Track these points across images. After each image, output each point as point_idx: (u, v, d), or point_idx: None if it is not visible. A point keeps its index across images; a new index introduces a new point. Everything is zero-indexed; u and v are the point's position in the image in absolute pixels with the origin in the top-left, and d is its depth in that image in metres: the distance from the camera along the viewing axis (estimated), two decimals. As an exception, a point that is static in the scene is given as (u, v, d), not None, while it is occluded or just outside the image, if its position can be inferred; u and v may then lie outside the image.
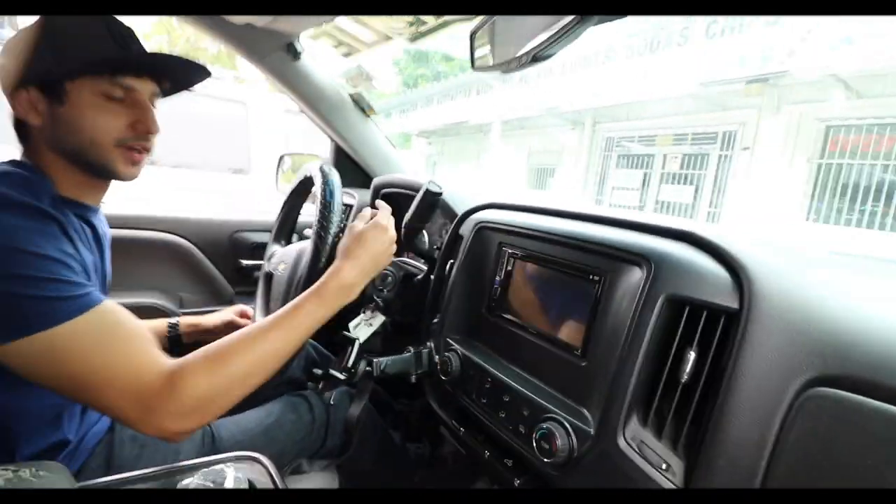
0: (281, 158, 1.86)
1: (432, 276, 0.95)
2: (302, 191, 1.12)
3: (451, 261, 0.89)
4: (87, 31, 0.62)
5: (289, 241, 1.19)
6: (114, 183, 0.69)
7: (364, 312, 0.95)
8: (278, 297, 1.00)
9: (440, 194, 0.86)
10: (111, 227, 1.28)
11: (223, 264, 1.42)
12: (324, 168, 0.94)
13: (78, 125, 0.61)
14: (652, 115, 7.89)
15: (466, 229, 0.88)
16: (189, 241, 1.36)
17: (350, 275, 0.72)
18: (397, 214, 0.85)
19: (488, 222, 0.82)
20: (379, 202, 0.83)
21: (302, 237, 1.27)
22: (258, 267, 1.47)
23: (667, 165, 8.10)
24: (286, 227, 1.18)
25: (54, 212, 0.56)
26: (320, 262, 0.83)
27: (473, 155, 11.37)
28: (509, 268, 0.78)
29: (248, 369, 0.59)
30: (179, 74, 0.71)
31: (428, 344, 0.87)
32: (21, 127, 0.64)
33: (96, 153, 0.63)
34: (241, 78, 3.31)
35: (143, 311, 1.24)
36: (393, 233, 0.79)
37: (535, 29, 0.50)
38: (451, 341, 0.83)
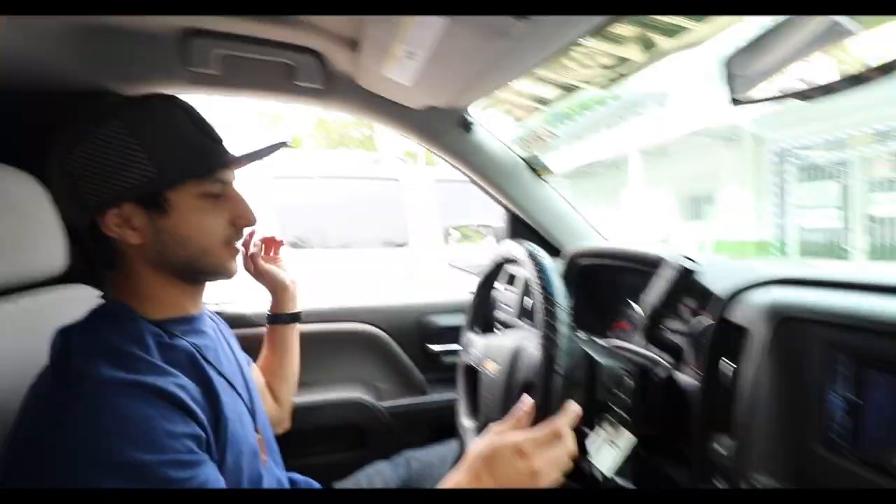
0: (447, 231, 1.84)
1: (676, 373, 0.72)
2: (496, 273, 1.00)
3: (721, 359, 0.65)
4: (177, 127, 0.56)
5: (485, 329, 1.06)
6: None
7: (601, 428, 0.74)
8: (493, 402, 0.85)
9: (696, 272, 0.64)
10: (306, 322, 1.33)
11: (412, 350, 1.37)
12: (532, 251, 0.79)
13: (186, 234, 0.56)
14: (834, 112, 6.49)
15: (749, 317, 0.63)
16: (380, 328, 1.34)
17: None
18: (604, 292, 0.66)
19: (799, 310, 0.57)
20: (571, 406, 0.63)
21: (498, 323, 1.14)
22: (447, 352, 1.39)
23: (871, 170, 6.51)
24: (481, 314, 1.06)
25: (162, 382, 0.49)
26: (556, 369, 0.66)
27: (610, 193, 10.69)
28: (858, 382, 0.51)
29: None
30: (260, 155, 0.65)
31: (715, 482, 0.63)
32: (107, 251, 0.56)
33: (208, 260, 0.58)
34: (398, 157, 3.58)
35: (348, 407, 1.22)
36: (571, 446, 0.58)
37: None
38: (757, 482, 0.58)
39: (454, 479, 0.55)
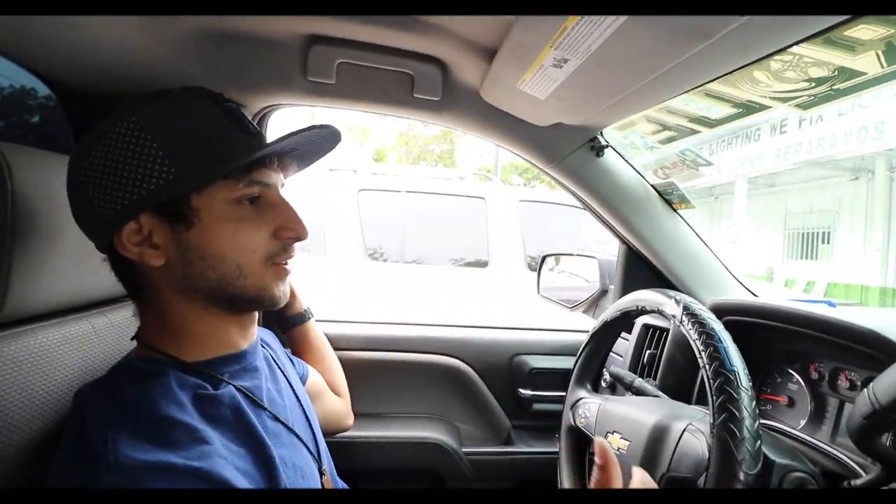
0: (544, 259, 1.69)
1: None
2: (623, 323, 0.84)
3: None
4: (203, 118, 0.45)
5: (596, 388, 0.90)
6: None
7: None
8: (624, 485, 0.69)
9: None
10: (374, 351, 1.20)
11: (500, 392, 1.23)
12: (691, 306, 0.63)
13: (218, 251, 0.45)
14: None
15: None
16: (467, 363, 1.22)
17: None
18: (746, 353, 0.52)
19: None
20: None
21: (611, 376, 0.97)
22: (539, 399, 1.24)
23: None
24: (593, 368, 0.91)
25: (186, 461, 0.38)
26: (738, 470, 0.49)
27: (703, 222, 9.84)
28: None
29: None
30: (312, 150, 0.54)
31: None
32: (130, 276, 0.47)
33: (247, 283, 0.46)
34: (483, 175, 3.52)
35: (426, 449, 1.11)
36: None
37: None
38: None
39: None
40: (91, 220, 0.46)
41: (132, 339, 0.50)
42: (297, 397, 0.61)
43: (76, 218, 0.48)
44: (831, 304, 0.88)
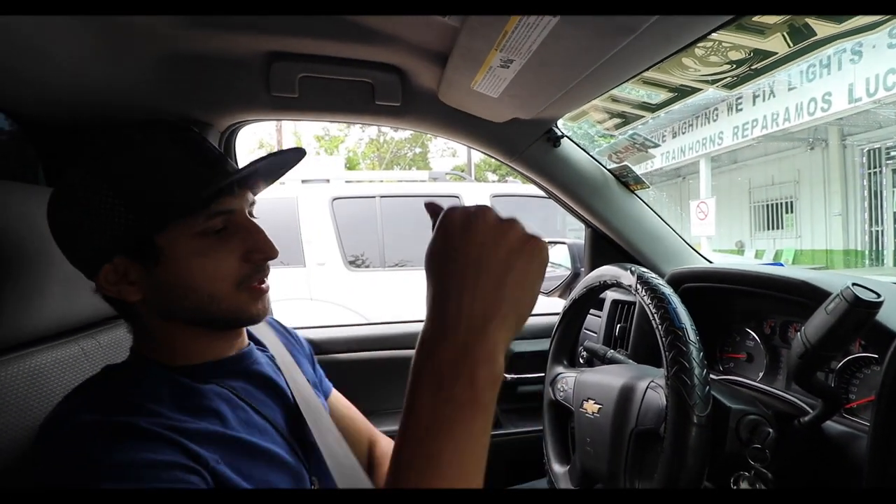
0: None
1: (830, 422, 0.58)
2: (590, 300, 0.90)
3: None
4: (158, 159, 0.47)
5: (572, 363, 0.96)
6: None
7: (737, 486, 0.62)
8: (596, 447, 0.75)
9: (879, 305, 0.51)
10: (367, 351, 1.27)
11: None
12: (645, 276, 0.70)
13: (186, 283, 0.47)
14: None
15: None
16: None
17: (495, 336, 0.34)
18: (708, 319, 0.55)
19: None
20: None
21: (586, 352, 1.03)
22: (522, 381, 1.29)
23: None
24: (567, 344, 0.96)
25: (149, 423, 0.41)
26: (691, 413, 0.55)
27: (672, 203, 10.12)
28: None
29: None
30: (277, 168, 0.57)
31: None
32: (119, 308, 0.51)
33: (219, 307, 0.49)
34: (457, 175, 3.56)
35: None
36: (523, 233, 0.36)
37: None
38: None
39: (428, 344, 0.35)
40: (75, 261, 0.50)
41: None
42: (295, 403, 0.61)
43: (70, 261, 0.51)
44: (779, 265, 0.96)
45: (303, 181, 3.47)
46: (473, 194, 3.13)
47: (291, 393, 0.60)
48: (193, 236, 0.47)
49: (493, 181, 11.35)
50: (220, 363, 0.53)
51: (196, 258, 0.47)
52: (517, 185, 3.59)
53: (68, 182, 0.48)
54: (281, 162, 0.55)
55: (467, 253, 0.34)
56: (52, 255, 0.56)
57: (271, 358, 0.62)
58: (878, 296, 0.50)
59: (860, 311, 0.51)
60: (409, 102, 0.93)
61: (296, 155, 0.55)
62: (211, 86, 0.87)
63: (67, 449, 0.40)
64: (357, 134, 15.35)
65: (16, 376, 0.53)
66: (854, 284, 0.52)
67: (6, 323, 0.53)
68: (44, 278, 0.56)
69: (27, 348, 0.56)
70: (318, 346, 1.10)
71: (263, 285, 0.52)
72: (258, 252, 0.50)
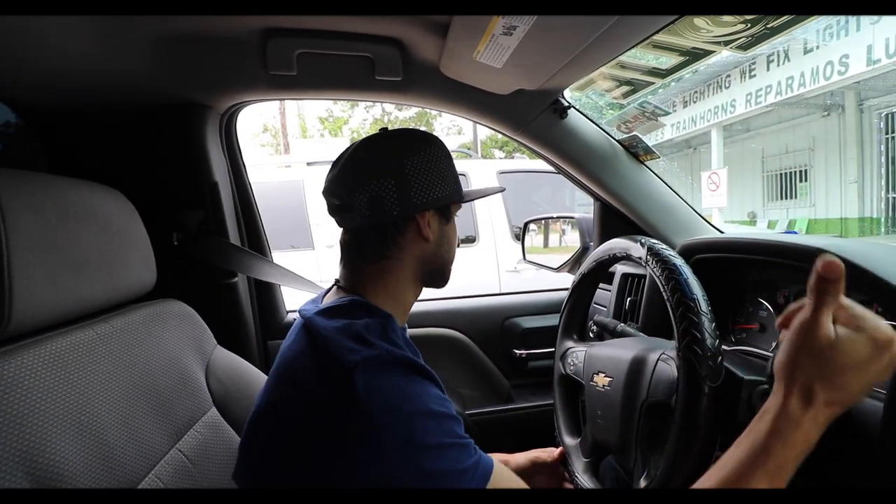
0: (526, 225, 1.73)
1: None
2: (599, 273, 0.89)
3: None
4: (453, 163, 0.67)
5: (582, 337, 0.96)
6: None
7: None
8: (607, 420, 0.75)
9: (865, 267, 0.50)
10: None
11: (496, 354, 1.29)
12: (656, 248, 0.68)
13: (452, 241, 0.67)
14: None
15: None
16: (462, 332, 1.27)
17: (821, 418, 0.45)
18: (722, 291, 0.66)
19: None
20: None
21: (596, 326, 1.03)
22: (533, 356, 1.30)
23: None
24: (577, 319, 0.96)
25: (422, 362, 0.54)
26: (703, 384, 0.55)
27: (683, 174, 9.93)
28: None
29: None
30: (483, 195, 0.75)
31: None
32: (385, 245, 0.62)
33: (448, 266, 0.68)
34: (464, 153, 3.51)
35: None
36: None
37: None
38: None
39: (771, 412, 0.46)
40: (399, 199, 0.60)
41: (334, 284, 0.66)
42: None
43: (377, 199, 0.60)
44: (793, 234, 0.93)
45: (308, 163, 3.44)
46: (480, 171, 3.09)
47: None
48: (455, 214, 0.68)
49: (500, 158, 11.23)
50: (404, 330, 0.67)
51: (454, 228, 0.68)
52: (524, 161, 3.53)
53: (426, 145, 0.63)
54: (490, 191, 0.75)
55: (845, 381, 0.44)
56: (59, 243, 0.56)
57: None
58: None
59: (850, 272, 0.49)
60: (411, 76, 0.90)
61: (496, 192, 0.76)
62: (208, 66, 0.86)
63: (409, 372, 0.51)
64: (361, 115, 15.21)
65: (35, 360, 0.53)
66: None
67: (21, 308, 0.53)
68: (53, 265, 0.57)
69: (44, 333, 0.57)
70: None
71: None
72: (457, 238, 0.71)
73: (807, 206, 8.55)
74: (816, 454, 0.65)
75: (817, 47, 6.26)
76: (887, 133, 6.78)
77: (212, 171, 0.99)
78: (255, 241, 1.16)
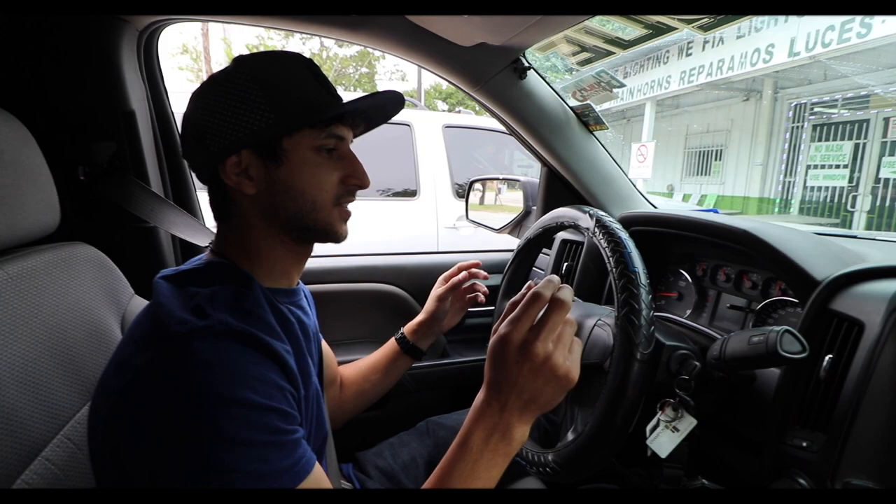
0: (471, 185, 1.72)
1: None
2: (545, 239, 0.92)
3: (830, 356, 0.59)
4: (298, 78, 0.55)
5: (523, 298, 0.99)
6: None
7: (662, 411, 0.69)
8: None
9: (798, 361, 0.56)
10: (321, 284, 1.27)
11: None
12: (603, 219, 0.71)
13: (299, 187, 0.54)
14: (863, 68, 6.19)
15: (863, 309, 0.56)
16: (401, 287, 1.27)
17: (521, 425, 0.53)
18: (646, 259, 0.64)
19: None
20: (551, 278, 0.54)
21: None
22: (469, 314, 1.33)
23: (890, 132, 6.31)
24: (518, 282, 0.99)
25: (271, 340, 0.47)
26: (636, 351, 0.59)
27: (616, 145, 10.39)
28: None
29: None
30: (379, 113, 0.63)
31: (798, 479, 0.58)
32: (223, 201, 0.56)
33: (317, 216, 0.56)
34: (408, 101, 3.35)
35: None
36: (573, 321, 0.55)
37: None
38: (850, 482, 0.53)
39: (475, 413, 0.52)
40: (201, 151, 0.53)
41: (205, 247, 0.58)
42: (320, 349, 0.71)
43: (186, 151, 0.56)
44: (716, 212, 1.01)
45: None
46: (425, 123, 2.99)
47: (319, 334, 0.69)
48: (310, 148, 0.54)
49: (444, 110, 10.97)
50: (290, 293, 0.60)
51: (309, 167, 0.54)
52: (470, 117, 3.46)
53: (219, 79, 0.53)
54: (382, 110, 0.62)
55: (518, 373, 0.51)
56: None
57: (308, 300, 0.69)
58: (803, 349, 0.54)
59: (777, 359, 0.55)
60: (370, 16, 0.83)
61: (396, 104, 0.61)
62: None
63: (217, 345, 0.43)
64: (296, 46, 13.94)
65: None
66: (787, 331, 0.55)
67: None
68: None
69: None
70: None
71: (348, 212, 0.60)
72: (355, 178, 0.58)
73: (717, 184, 9.38)
74: (718, 407, 0.75)
75: (748, 33, 6.65)
76: (794, 122, 7.50)
77: (127, 97, 0.86)
78: (178, 180, 1.05)
